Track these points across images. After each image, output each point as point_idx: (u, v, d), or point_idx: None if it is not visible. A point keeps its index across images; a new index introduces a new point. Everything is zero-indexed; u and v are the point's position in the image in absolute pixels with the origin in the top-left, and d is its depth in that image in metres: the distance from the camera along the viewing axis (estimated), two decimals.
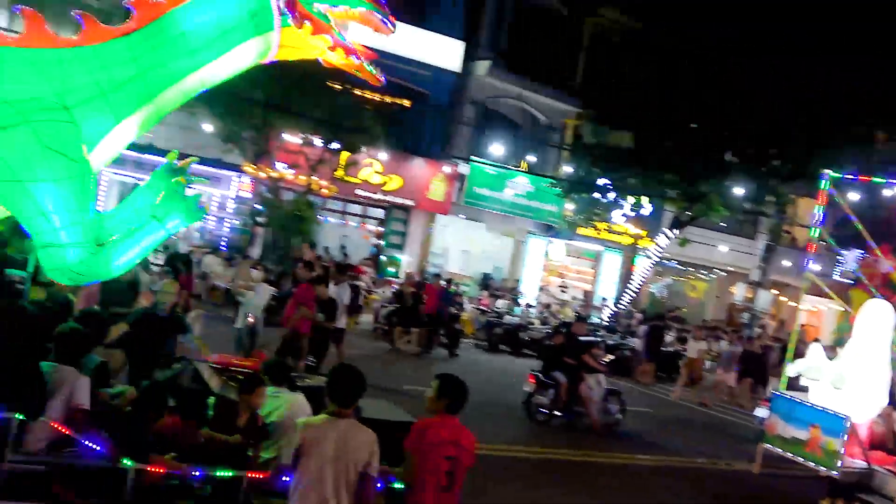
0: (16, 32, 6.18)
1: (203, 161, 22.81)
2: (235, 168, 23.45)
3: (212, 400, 6.70)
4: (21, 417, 5.06)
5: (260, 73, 18.02)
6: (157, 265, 17.02)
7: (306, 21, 6.49)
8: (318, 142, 23.26)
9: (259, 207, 23.71)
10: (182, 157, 6.88)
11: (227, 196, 24.17)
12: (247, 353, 10.62)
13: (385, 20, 6.95)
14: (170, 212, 6.22)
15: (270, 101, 21.70)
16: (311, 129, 22.90)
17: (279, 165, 23.14)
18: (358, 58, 6.83)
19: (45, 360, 5.47)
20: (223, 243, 23.50)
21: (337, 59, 6.81)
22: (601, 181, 27.02)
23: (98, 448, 5.19)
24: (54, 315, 6.18)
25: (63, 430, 5.24)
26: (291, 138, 23.29)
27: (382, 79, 7.02)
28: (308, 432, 5.05)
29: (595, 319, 26.54)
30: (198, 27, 6.30)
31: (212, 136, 22.55)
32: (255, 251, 23.43)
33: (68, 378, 5.45)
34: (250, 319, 12.44)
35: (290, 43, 6.59)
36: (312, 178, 23.32)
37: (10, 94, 5.72)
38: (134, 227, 6.19)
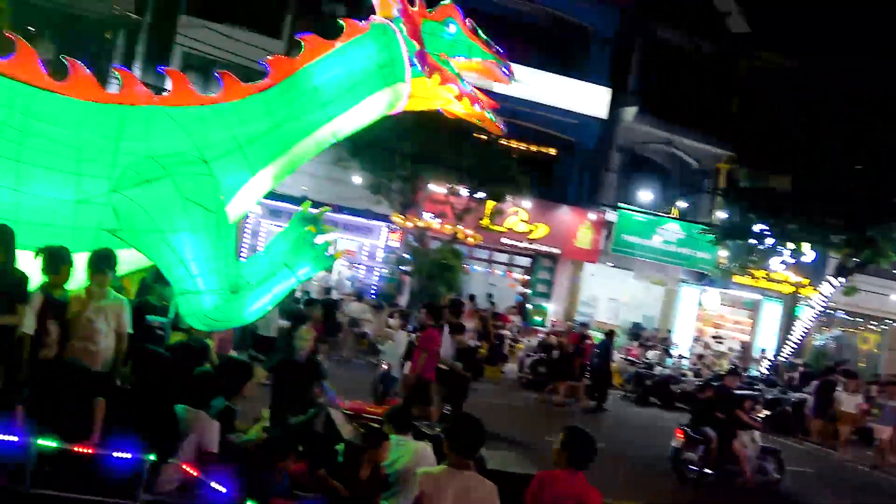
0: (158, 89, 6.60)
1: (353, 212, 23.62)
2: (384, 218, 24.07)
3: (341, 447, 6.75)
4: (154, 458, 5.25)
5: (406, 125, 18.67)
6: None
7: (436, 72, 6.60)
8: (463, 191, 23.55)
9: (406, 256, 24.17)
10: (316, 206, 7.05)
11: (376, 245, 24.79)
12: (380, 401, 10.69)
13: (505, 70, 6.98)
14: (300, 260, 6.37)
15: (417, 153, 22.20)
16: (456, 179, 23.24)
17: (426, 215, 23.58)
18: (481, 107, 6.86)
19: (179, 402, 5.68)
20: (372, 291, 24.05)
21: (460, 109, 6.86)
22: (758, 227, 25.78)
23: (225, 490, 5.30)
24: (191, 360, 6.43)
25: (193, 472, 5.40)
26: (437, 188, 23.72)
27: (503, 127, 7.02)
28: (427, 483, 4.96)
29: (753, 372, 25.18)
30: (330, 81, 6.52)
31: (361, 187, 23.28)
32: (403, 299, 23.83)
33: (199, 421, 5.63)
34: (384, 366, 12.56)
35: (419, 93, 6.70)
36: (458, 227, 23.59)
37: (155, 150, 6.04)
38: (267, 274, 6.34)
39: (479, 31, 6.91)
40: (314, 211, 6.81)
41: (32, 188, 5.79)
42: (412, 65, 6.53)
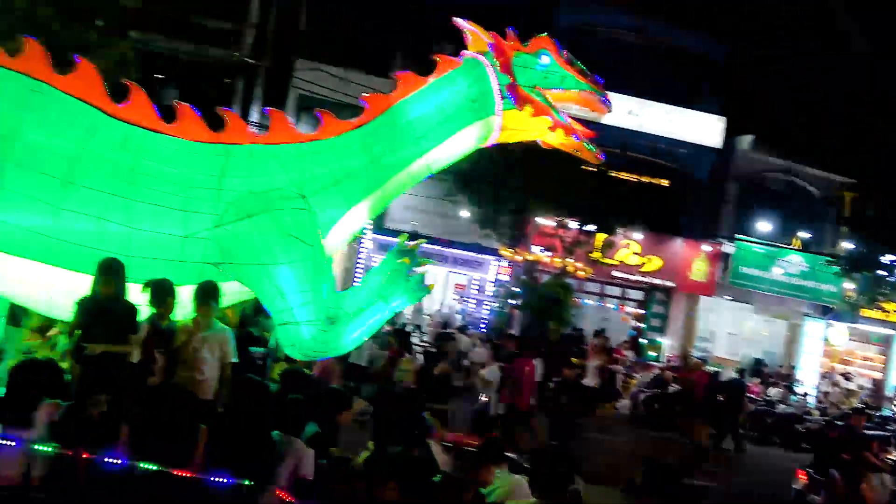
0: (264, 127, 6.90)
1: (462, 246, 23.81)
2: (493, 252, 24.12)
3: (437, 478, 6.75)
4: (251, 484, 5.39)
5: (513, 158, 18.74)
6: (419, 345, 17.81)
7: (528, 104, 6.63)
8: (573, 224, 23.38)
9: (516, 290, 24.11)
10: (413, 238, 7.16)
11: (485, 279, 24.84)
12: (480, 433, 10.64)
13: (603, 100, 6.93)
14: (394, 291, 6.48)
15: (525, 186, 22.23)
16: (565, 212, 23.11)
17: (535, 248, 23.51)
18: (578, 137, 6.84)
19: (276, 429, 5.83)
20: (482, 325, 24.07)
21: (556, 140, 6.86)
22: (887, 258, 24.47)
23: None
24: (290, 389, 6.60)
25: (289, 499, 5.51)
26: (546, 221, 23.63)
27: (602, 157, 6.96)
28: None
29: (886, 412, 23.73)
30: (423, 115, 6.66)
31: (470, 221, 23.45)
32: (513, 333, 23.71)
33: (295, 448, 5.76)
34: (483, 398, 12.52)
35: (512, 125, 6.75)
36: (568, 260, 23.39)
37: (255, 186, 6.28)
38: (363, 306, 6.48)
39: (576, 62, 6.91)
40: (410, 244, 6.91)
41: (143, 224, 6.13)
42: (503, 98, 6.59)
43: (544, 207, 23.17)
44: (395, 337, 10.43)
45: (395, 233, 20.35)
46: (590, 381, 18.33)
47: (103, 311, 5.92)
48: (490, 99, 6.62)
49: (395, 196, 7.05)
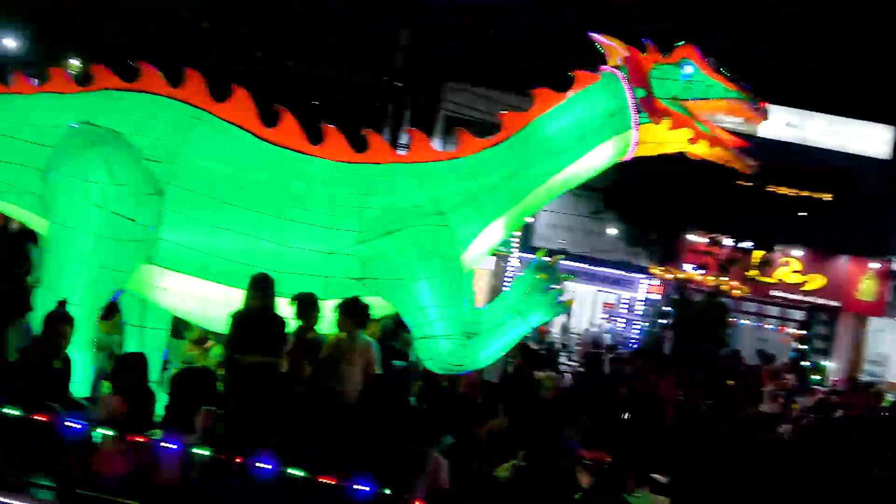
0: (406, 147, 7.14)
1: (611, 264, 23.48)
2: (643, 270, 23.64)
3: (578, 495, 6.68)
4: (390, 493, 5.53)
5: (662, 173, 18.34)
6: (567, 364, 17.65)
7: (665, 116, 6.52)
8: (727, 241, 22.59)
9: (667, 309, 23.49)
10: (551, 254, 7.17)
11: (635, 298, 24.35)
12: (615, 452, 10.39)
13: (755, 107, 6.70)
14: (531, 307, 6.51)
15: (675, 201, 21.70)
16: (719, 228, 22.38)
17: (686, 266, 22.85)
18: (724, 147, 6.65)
19: (414, 440, 5.95)
20: (633, 345, 23.59)
21: (701, 150, 6.71)
22: None
23: None
24: (428, 401, 6.73)
25: None
26: (698, 238, 22.94)
27: (754, 166, 6.74)
28: None
29: None
30: (560, 131, 6.68)
31: (618, 239, 23.12)
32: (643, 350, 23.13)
33: (433, 459, 5.85)
34: (626, 416, 12.22)
35: (649, 139, 6.66)
36: (722, 278, 22.59)
37: (396, 204, 6.50)
38: (501, 321, 6.55)
39: (723, 69, 6.73)
40: (548, 259, 6.92)
41: (291, 241, 6.45)
42: (638, 112, 6.51)
43: (696, 223, 22.53)
44: (522, 353, 10.38)
45: (540, 251, 20.37)
46: (766, 406, 17.56)
47: (254, 324, 6.25)
48: (626, 113, 6.55)
49: (534, 211, 7.10)
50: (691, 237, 23.06)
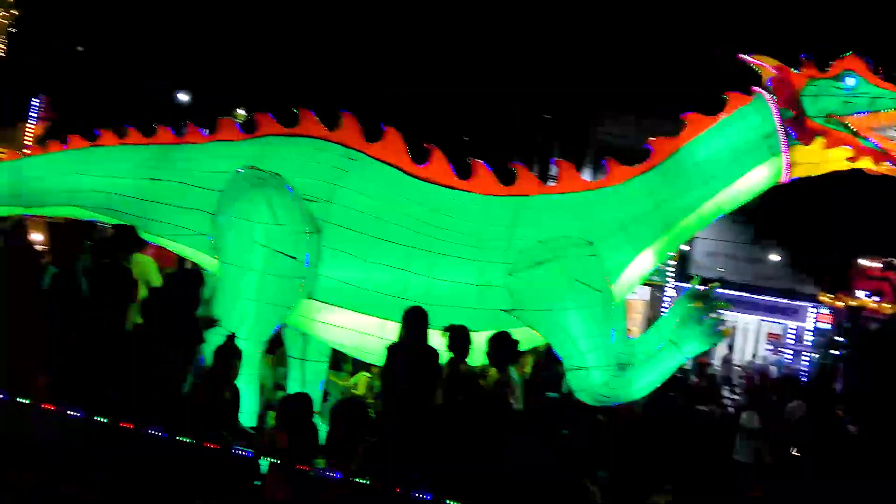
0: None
1: (774, 293, 22.43)
2: (810, 298, 22.46)
3: None
4: None
5: (828, 193, 17.39)
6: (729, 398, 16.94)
7: (818, 136, 6.23)
8: None
9: (839, 339, 22.15)
10: (707, 282, 6.97)
11: (803, 328, 23.13)
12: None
13: None
14: (686, 337, 6.34)
15: (844, 223, 20.53)
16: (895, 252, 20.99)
17: (859, 293, 21.51)
18: (893, 162, 6.27)
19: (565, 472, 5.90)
20: (802, 377, 22.35)
21: (868, 167, 6.36)
22: None
23: None
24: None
25: None
26: (872, 263, 21.58)
27: None
28: None
29: None
30: (712, 155, 6.53)
31: (782, 266, 22.09)
32: (838, 386, 21.76)
33: (587, 490, 5.79)
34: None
35: (803, 160, 6.39)
36: None
37: (545, 235, 6.54)
38: (654, 351, 6.42)
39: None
40: (702, 287, 6.72)
41: (442, 274, 6.59)
42: (787, 133, 6.25)
43: (869, 247, 21.23)
44: (679, 386, 10.01)
45: (700, 280, 19.72)
46: None
47: (408, 356, 6.41)
48: (776, 136, 6.31)
49: (686, 239, 6.93)
50: (864, 261, 21.71)
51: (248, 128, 7.37)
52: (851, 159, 6.26)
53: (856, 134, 6.23)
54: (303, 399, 6.31)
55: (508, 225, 6.71)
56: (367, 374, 7.77)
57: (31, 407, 5.75)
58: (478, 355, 6.60)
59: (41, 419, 5.81)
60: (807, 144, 6.24)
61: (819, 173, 6.56)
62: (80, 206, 7.64)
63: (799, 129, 6.23)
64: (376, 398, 6.97)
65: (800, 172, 6.43)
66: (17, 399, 5.85)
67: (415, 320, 6.42)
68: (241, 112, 21.03)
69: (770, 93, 6.35)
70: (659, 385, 6.53)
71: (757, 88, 6.51)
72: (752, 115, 6.41)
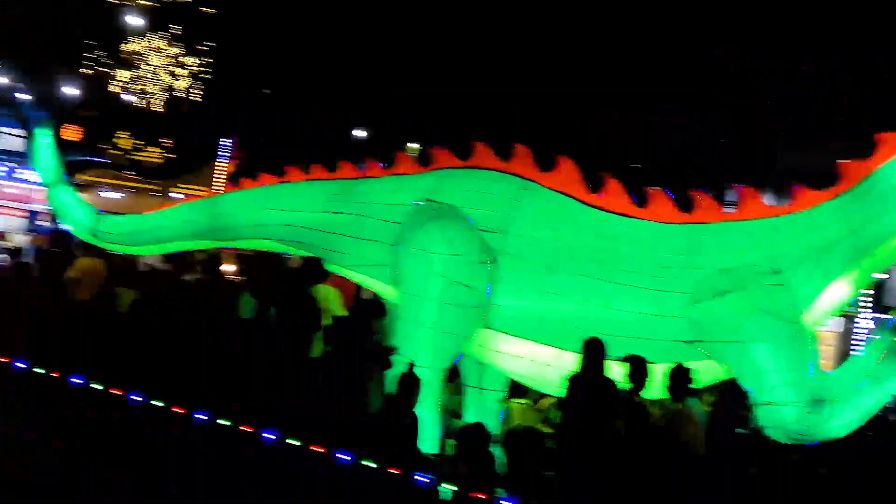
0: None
1: None
2: None
3: None
4: None
5: None
6: None
7: None
8: None
9: None
10: None
11: None
12: None
13: None
14: (889, 372, 5.94)
15: None
16: None
17: None
18: None
19: None
20: None
21: None
22: None
23: None
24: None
25: None
26: None
27: None
28: None
29: None
30: None
31: None
32: None
33: None
34: None
35: None
36: None
37: (728, 263, 6.32)
38: (852, 387, 6.05)
39: None
40: None
41: (619, 304, 6.49)
42: None
43: None
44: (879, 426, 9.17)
45: None
46: None
47: (587, 387, 6.32)
48: None
49: (883, 267, 6.47)
50: None
51: (425, 161, 7.58)
52: None
53: None
54: (479, 429, 6.36)
55: (688, 253, 6.52)
56: (522, 402, 7.73)
57: (231, 429, 6.13)
58: (657, 387, 6.42)
59: (237, 441, 6.20)
60: None
61: None
62: (269, 239, 8.12)
63: None
64: (551, 426, 6.92)
65: None
66: (218, 421, 6.28)
67: (593, 351, 6.35)
68: (413, 146, 21.72)
69: None
70: (861, 424, 6.12)
71: None
72: None
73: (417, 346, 6.73)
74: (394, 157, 7.74)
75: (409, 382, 6.34)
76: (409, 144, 21.47)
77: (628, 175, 7.51)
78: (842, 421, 6.04)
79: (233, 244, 8.65)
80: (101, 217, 8.78)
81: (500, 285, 6.72)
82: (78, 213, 8.77)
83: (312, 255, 7.64)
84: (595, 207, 6.84)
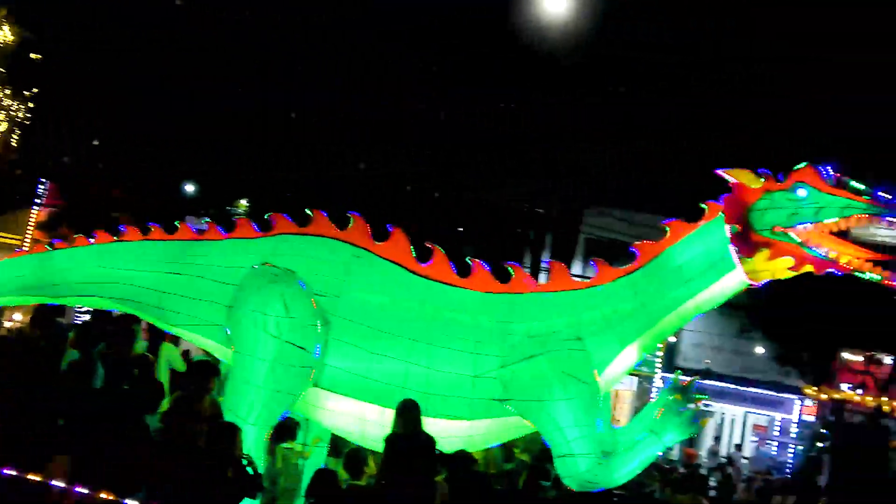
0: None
1: (760, 385, 22.81)
2: (795, 390, 22.86)
3: None
4: None
5: (811, 289, 17.97)
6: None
7: (762, 248, 6.75)
8: (887, 359, 21.63)
9: (824, 432, 22.46)
10: (696, 374, 7.44)
11: (788, 420, 23.46)
12: None
13: (885, 216, 6.56)
14: (665, 427, 6.80)
15: (829, 319, 21.07)
16: (877, 346, 21.51)
17: (843, 386, 21.94)
18: (840, 270, 6.69)
19: None
20: (787, 470, 22.57)
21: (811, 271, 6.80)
22: None
23: None
24: None
25: None
26: (854, 357, 22.08)
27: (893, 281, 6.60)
28: None
29: None
30: (691, 259, 7.06)
31: (767, 358, 22.57)
32: (823, 479, 21.94)
33: None
34: None
35: (755, 269, 6.87)
36: (883, 399, 21.50)
37: (536, 330, 7.11)
38: (635, 440, 6.87)
39: (850, 183, 6.70)
40: (683, 380, 7.19)
41: (440, 365, 7.08)
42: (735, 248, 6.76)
43: (851, 341, 21.74)
44: (662, 475, 10.33)
45: (686, 371, 20.05)
46: None
47: (405, 447, 6.79)
48: (727, 250, 6.80)
49: (668, 335, 7.42)
50: (847, 355, 22.22)
51: (264, 226, 7.92)
52: (793, 268, 6.75)
53: (801, 244, 6.68)
54: (328, 474, 6.69)
55: (502, 320, 7.23)
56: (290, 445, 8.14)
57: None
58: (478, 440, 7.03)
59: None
60: (749, 257, 6.76)
61: (780, 278, 7.01)
62: (101, 297, 8.16)
63: (743, 243, 6.75)
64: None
65: (763, 278, 6.94)
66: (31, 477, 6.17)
67: (408, 413, 6.84)
68: (243, 202, 21.74)
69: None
70: (640, 472, 6.97)
71: (716, 203, 6.99)
72: (714, 230, 6.91)
73: (248, 404, 7.03)
74: (235, 222, 8.02)
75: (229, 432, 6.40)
76: (238, 201, 21.51)
77: (453, 244, 8.17)
78: (624, 471, 6.85)
79: (65, 301, 8.59)
80: None
81: (331, 346, 7.13)
82: None
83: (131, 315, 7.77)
84: (421, 276, 7.41)
